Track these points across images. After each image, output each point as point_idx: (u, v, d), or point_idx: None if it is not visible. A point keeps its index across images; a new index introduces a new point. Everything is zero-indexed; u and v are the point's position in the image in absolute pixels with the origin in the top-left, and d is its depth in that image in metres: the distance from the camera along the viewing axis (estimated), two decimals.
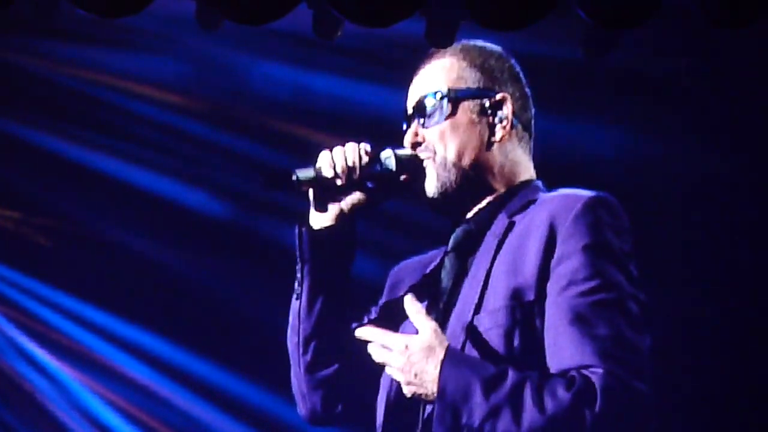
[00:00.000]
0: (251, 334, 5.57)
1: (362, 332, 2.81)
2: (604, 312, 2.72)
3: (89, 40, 5.67)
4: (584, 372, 2.67)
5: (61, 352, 5.98)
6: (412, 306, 2.79)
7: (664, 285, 4.86)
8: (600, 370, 2.67)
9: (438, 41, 4.65)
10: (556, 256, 2.77)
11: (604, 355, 2.68)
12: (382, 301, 3.13)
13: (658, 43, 5.06)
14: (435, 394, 2.71)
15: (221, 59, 5.66)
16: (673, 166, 5.24)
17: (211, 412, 5.93)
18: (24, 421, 5.96)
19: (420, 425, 2.81)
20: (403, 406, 2.85)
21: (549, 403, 2.65)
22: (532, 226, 2.83)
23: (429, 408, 2.77)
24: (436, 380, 2.70)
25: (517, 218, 2.89)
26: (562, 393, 2.65)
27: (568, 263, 2.75)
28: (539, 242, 2.79)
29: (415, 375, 2.73)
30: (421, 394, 2.74)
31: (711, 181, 5.19)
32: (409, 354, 2.74)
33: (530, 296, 2.78)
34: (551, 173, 3.07)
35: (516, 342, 2.77)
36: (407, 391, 2.76)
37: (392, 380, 2.88)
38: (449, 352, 2.73)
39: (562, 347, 2.73)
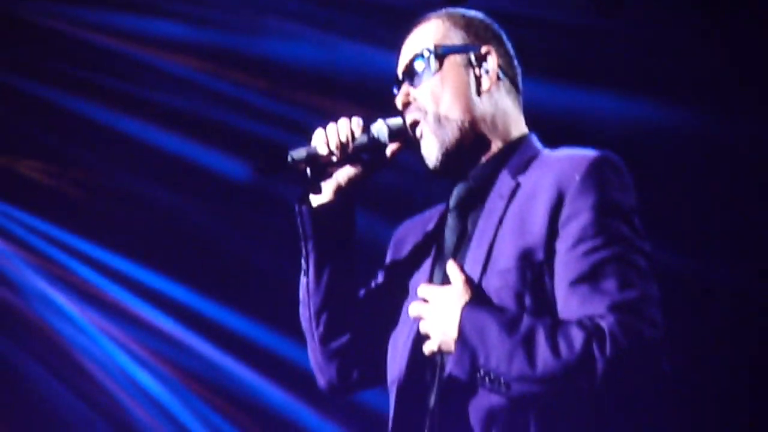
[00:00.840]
0: (276, 284, 5.58)
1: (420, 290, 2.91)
2: (612, 266, 2.77)
3: (119, 4, 5.82)
4: (595, 320, 2.72)
5: (87, 300, 6.11)
6: (451, 262, 2.90)
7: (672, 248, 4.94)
8: (611, 318, 2.72)
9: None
10: (564, 215, 2.82)
11: (613, 305, 2.73)
12: (387, 263, 3.20)
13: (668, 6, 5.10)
14: (455, 340, 2.78)
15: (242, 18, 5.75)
16: (681, 133, 5.22)
17: (234, 360, 6.04)
18: (53, 370, 6.11)
19: (438, 378, 2.88)
20: (422, 361, 2.91)
21: (562, 346, 2.70)
22: (538, 187, 2.88)
23: (448, 362, 2.83)
24: (458, 324, 2.78)
25: (521, 179, 2.94)
26: (575, 336, 2.70)
27: (576, 222, 2.81)
28: (547, 204, 2.84)
29: (441, 321, 2.82)
30: (443, 342, 2.82)
31: (720, 147, 5.18)
32: (440, 303, 2.84)
33: (540, 256, 2.83)
34: (555, 134, 3.13)
35: (527, 301, 2.82)
36: (433, 342, 2.84)
37: (410, 337, 2.96)
38: (472, 298, 2.82)
39: (573, 302, 2.78)
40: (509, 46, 3.12)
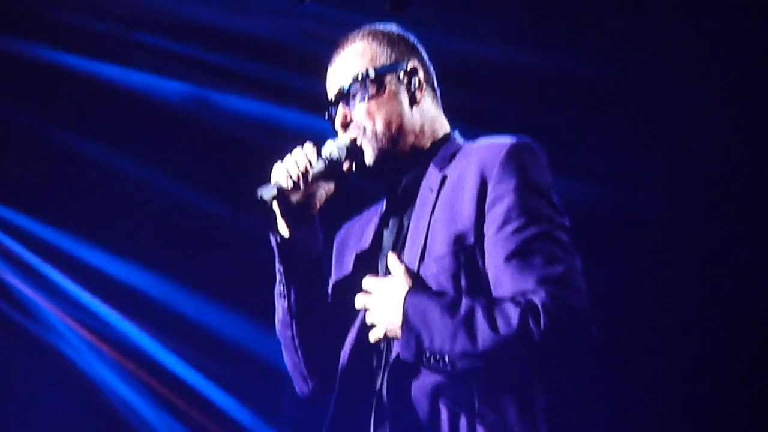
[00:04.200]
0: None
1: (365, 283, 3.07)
2: (537, 243, 2.95)
3: None
4: (528, 295, 2.89)
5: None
6: (391, 254, 3.07)
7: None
8: (542, 292, 2.89)
9: (397, 5, 5.05)
10: (489, 199, 3.01)
11: (542, 280, 2.91)
12: (334, 267, 3.38)
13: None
14: (400, 326, 2.95)
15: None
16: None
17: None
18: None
19: (384, 362, 3.04)
20: (367, 348, 3.08)
21: (500, 322, 2.87)
22: (463, 176, 3.07)
23: (394, 349, 3.00)
24: (402, 311, 2.96)
25: (447, 171, 3.13)
26: (511, 312, 2.87)
27: (501, 204, 2.99)
28: (473, 190, 3.03)
29: (386, 310, 2.99)
30: (389, 330, 2.99)
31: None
32: (383, 293, 3.01)
33: (471, 240, 3.00)
34: None
35: (463, 282, 2.99)
36: (379, 329, 3.00)
37: (355, 326, 3.13)
38: (413, 285, 2.99)
39: (505, 279, 2.95)
40: (423, 51, 3.33)
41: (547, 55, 5.53)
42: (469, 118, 3.60)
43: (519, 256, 2.95)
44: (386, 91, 3.23)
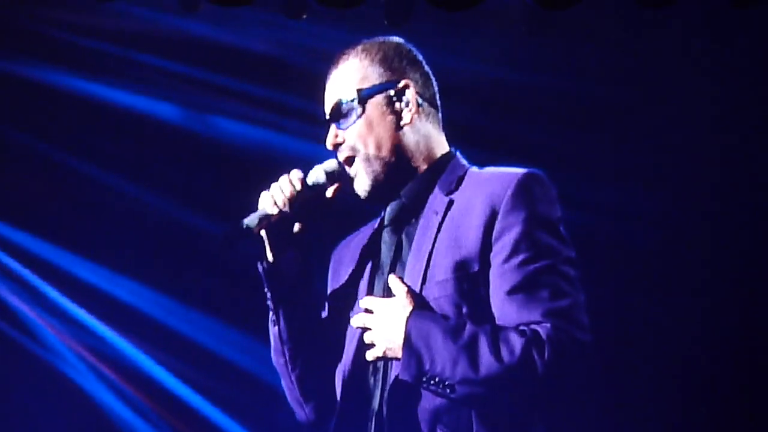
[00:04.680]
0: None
1: (363, 302, 3.07)
2: (543, 277, 2.95)
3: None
4: (533, 326, 2.91)
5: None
6: (393, 276, 3.06)
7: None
8: (547, 324, 2.90)
9: (395, 20, 5.06)
10: (496, 229, 3.00)
11: (548, 313, 2.92)
12: (330, 285, 3.36)
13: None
14: (401, 347, 2.95)
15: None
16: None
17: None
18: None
19: (383, 382, 3.04)
20: (365, 368, 3.08)
21: (503, 350, 2.87)
22: (471, 204, 3.05)
23: (393, 370, 3.01)
24: (404, 331, 2.95)
25: (454, 196, 3.11)
26: (515, 342, 2.88)
27: (509, 235, 2.99)
28: (480, 219, 3.02)
29: (387, 330, 2.98)
30: (389, 350, 2.98)
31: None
32: (385, 313, 3.00)
33: (475, 267, 3.00)
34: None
35: (464, 308, 2.99)
36: (379, 349, 3.00)
37: (352, 345, 3.13)
38: (416, 307, 2.98)
39: (510, 310, 2.95)
40: (425, 65, 3.27)
41: (546, 74, 5.54)
42: (465, 135, 3.54)
43: (525, 289, 2.96)
44: (376, 112, 3.18)
